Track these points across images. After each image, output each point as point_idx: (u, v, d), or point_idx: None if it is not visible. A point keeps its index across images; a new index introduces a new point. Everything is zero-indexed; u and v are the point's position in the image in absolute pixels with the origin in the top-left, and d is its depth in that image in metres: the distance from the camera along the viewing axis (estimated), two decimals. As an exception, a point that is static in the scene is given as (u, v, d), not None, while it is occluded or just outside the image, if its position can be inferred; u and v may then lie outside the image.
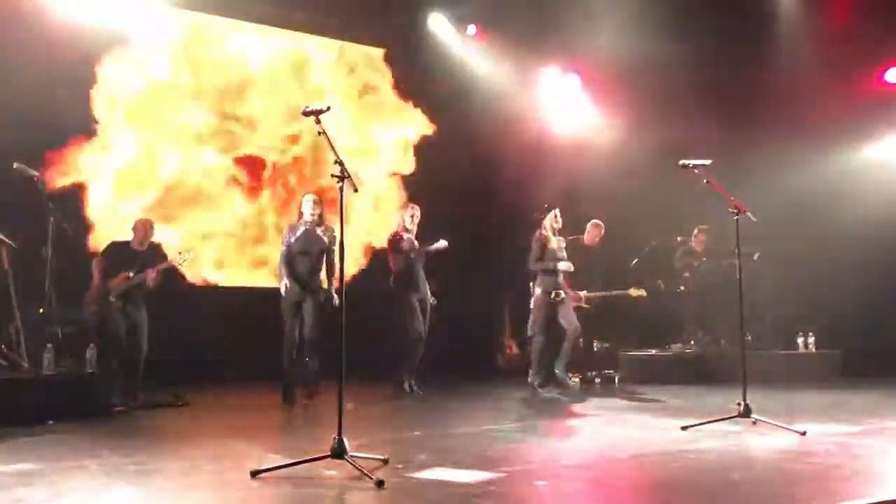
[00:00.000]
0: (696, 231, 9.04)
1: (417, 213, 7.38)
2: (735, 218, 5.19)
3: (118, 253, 6.74)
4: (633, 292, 8.31)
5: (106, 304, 6.58)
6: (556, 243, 7.51)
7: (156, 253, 6.90)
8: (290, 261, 6.67)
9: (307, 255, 6.65)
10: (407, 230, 7.25)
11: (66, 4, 7.90)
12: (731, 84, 9.45)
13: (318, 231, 6.63)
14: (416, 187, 10.37)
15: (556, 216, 7.53)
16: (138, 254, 6.74)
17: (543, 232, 7.52)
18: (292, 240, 6.67)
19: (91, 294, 6.65)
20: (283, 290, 6.64)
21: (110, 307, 6.57)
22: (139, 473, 3.69)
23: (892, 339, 8.78)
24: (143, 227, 6.81)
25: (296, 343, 6.62)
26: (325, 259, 6.70)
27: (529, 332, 7.68)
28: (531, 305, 7.64)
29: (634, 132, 9.67)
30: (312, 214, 6.63)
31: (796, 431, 4.58)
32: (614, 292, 8.33)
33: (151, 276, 6.60)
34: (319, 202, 6.67)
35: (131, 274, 6.62)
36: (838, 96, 9.14)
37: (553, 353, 7.58)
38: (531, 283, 8.04)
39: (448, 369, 10.24)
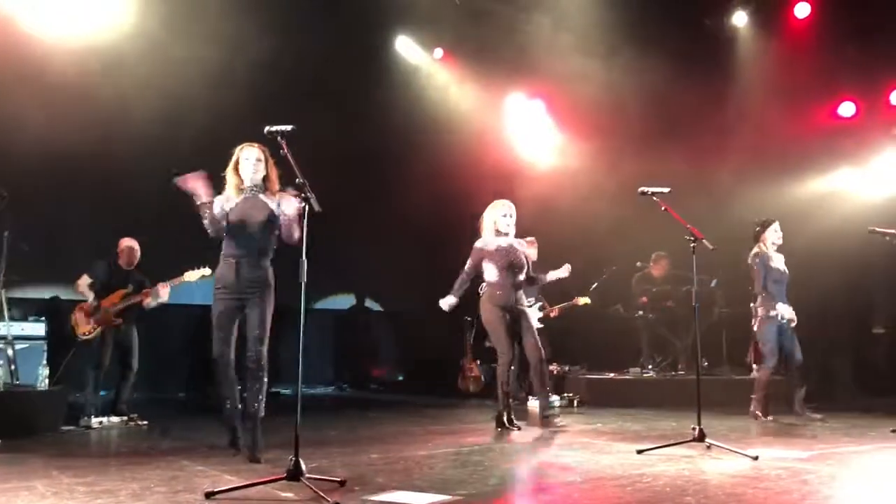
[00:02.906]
0: (654, 257, 9.20)
1: (512, 211, 6.28)
2: (692, 245, 5.28)
3: (107, 272, 6.79)
4: (580, 301, 8.53)
5: (106, 323, 6.60)
6: (777, 260, 6.75)
7: (143, 274, 6.91)
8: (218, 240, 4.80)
9: (245, 226, 4.68)
10: (500, 233, 6.26)
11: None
12: (692, 113, 9.65)
13: (264, 197, 4.77)
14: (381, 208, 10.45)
15: (776, 230, 6.82)
16: (129, 273, 6.82)
17: (763, 249, 6.76)
18: (225, 208, 4.75)
19: (85, 314, 6.64)
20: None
21: (109, 327, 6.61)
22: (89, 494, 3.62)
23: (843, 368, 8.99)
24: (131, 248, 6.89)
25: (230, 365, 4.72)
26: (275, 232, 4.77)
27: (755, 358, 6.97)
28: (755, 329, 6.83)
29: (598, 157, 9.83)
30: (254, 173, 4.75)
31: (749, 456, 4.66)
32: (563, 305, 8.49)
33: (163, 291, 6.57)
34: (265, 160, 4.76)
35: (128, 290, 6.68)
36: (794, 128, 9.41)
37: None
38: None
39: (407, 391, 10.25)
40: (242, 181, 4.75)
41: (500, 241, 6.24)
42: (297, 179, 3.91)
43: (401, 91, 10.67)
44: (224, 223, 4.73)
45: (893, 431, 5.89)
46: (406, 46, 10.90)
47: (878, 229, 6.94)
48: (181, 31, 8.36)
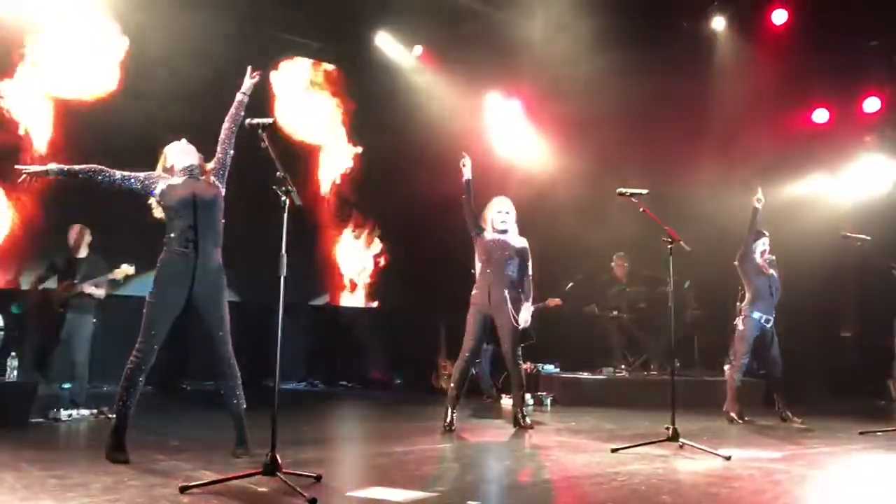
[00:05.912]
0: (614, 258, 9.35)
1: (507, 208, 6.16)
2: (669, 247, 5.31)
3: (63, 263, 6.75)
4: (550, 302, 8.78)
5: (47, 311, 6.63)
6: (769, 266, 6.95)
7: (97, 262, 6.76)
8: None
9: (188, 211, 4.30)
10: (496, 231, 6.12)
11: None
12: (669, 116, 9.72)
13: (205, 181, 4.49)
14: (358, 206, 10.42)
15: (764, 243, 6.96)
16: (78, 262, 6.71)
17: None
18: (160, 189, 4.37)
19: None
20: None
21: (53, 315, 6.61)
22: (61, 487, 3.57)
23: (812, 370, 9.12)
24: (78, 234, 6.74)
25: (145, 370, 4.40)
26: (219, 218, 4.44)
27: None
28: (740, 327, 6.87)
29: (576, 159, 9.86)
30: (190, 167, 4.47)
31: (721, 456, 4.71)
32: (534, 306, 8.52)
33: (88, 290, 6.53)
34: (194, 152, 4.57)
35: (75, 282, 6.60)
36: (769, 133, 9.52)
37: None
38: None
39: (384, 388, 10.24)
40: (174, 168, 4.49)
41: (496, 235, 6.13)
42: (277, 173, 3.86)
43: (379, 88, 10.65)
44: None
45: (861, 433, 5.99)
46: (386, 43, 10.87)
47: (850, 235, 7.07)
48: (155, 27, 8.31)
